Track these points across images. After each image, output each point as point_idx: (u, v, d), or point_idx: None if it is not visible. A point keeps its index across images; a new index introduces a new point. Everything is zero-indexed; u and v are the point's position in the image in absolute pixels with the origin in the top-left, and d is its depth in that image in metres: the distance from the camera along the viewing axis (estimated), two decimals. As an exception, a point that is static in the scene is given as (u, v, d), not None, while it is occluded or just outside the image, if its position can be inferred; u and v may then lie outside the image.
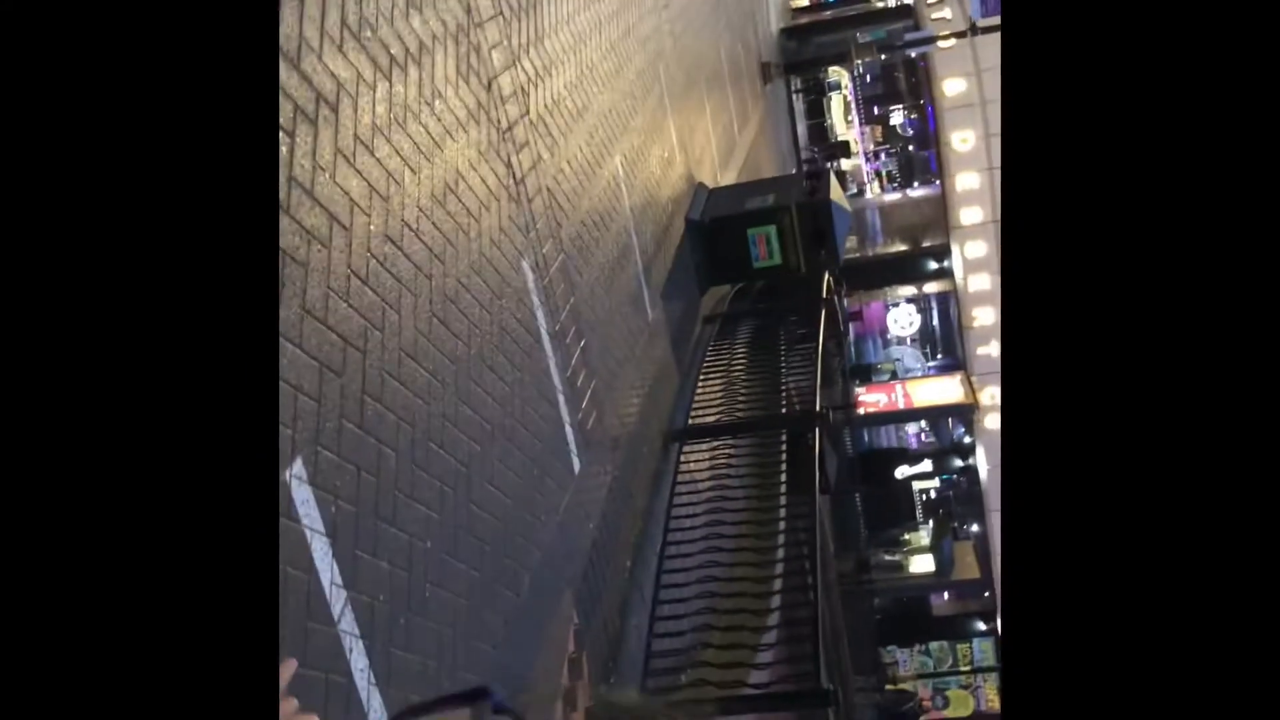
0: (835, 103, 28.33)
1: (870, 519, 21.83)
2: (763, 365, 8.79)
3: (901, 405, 21.08)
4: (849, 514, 19.44)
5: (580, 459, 5.92)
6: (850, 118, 31.66)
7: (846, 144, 24.12)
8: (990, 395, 23.88)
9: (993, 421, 23.81)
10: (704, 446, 7.92)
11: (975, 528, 24.59)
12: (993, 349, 23.73)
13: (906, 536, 21.74)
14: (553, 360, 5.71)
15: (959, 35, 17.03)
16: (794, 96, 25.59)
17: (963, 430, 24.04)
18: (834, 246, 8.70)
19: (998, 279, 23.54)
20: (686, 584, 6.63)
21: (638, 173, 7.96)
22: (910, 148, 32.85)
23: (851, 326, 25.17)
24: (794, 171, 15.74)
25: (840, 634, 11.55)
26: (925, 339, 31.95)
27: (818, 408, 7.85)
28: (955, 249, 23.49)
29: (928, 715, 21.75)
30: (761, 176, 15.70)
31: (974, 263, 23.45)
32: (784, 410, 8.22)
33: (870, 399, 21.12)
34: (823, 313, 8.37)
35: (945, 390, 21.88)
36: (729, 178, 11.78)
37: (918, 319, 30.67)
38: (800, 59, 21.84)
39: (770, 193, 9.14)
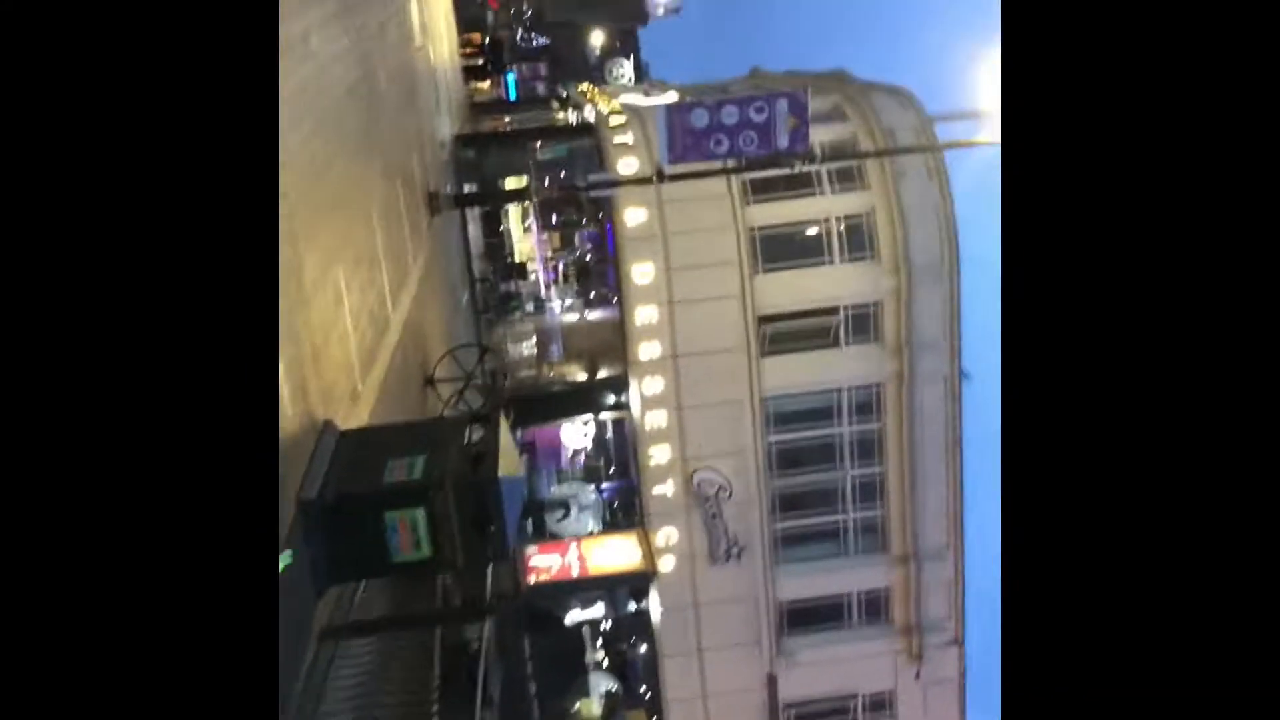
0: (513, 212, 26.76)
1: (541, 680, 19.84)
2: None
3: (576, 571, 19.42)
4: (515, 678, 17.39)
5: None
6: (528, 224, 30.28)
7: (524, 266, 22.47)
8: (665, 536, 22.83)
9: (667, 564, 22.75)
10: None
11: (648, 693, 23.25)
12: (669, 488, 22.75)
13: (577, 707, 19.96)
14: None
15: (644, 182, 15.84)
16: (466, 212, 23.68)
17: (635, 603, 22.72)
18: (502, 535, 6.62)
19: (674, 415, 22.60)
20: None
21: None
22: (588, 257, 31.95)
23: (522, 460, 23.28)
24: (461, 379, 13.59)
25: None
26: (600, 452, 30.84)
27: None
28: (634, 383, 22.33)
29: None
30: (423, 334, 13.42)
31: (652, 399, 22.39)
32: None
33: (543, 562, 19.30)
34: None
35: (622, 553, 20.50)
36: (374, 380, 9.40)
37: (593, 430, 29.50)
38: (474, 194, 19.93)
39: (421, 450, 6.90)
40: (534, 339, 25.19)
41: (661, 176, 16.15)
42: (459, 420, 7.88)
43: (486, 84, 38.84)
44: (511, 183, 23.99)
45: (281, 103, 7.12)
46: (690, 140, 16.10)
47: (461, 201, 18.19)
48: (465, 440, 7.13)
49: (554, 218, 32.66)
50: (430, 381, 13.17)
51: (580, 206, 24.25)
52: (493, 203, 21.38)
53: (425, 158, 16.08)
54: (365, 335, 9.40)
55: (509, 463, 7.05)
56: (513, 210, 26.59)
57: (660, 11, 43.58)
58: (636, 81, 36.31)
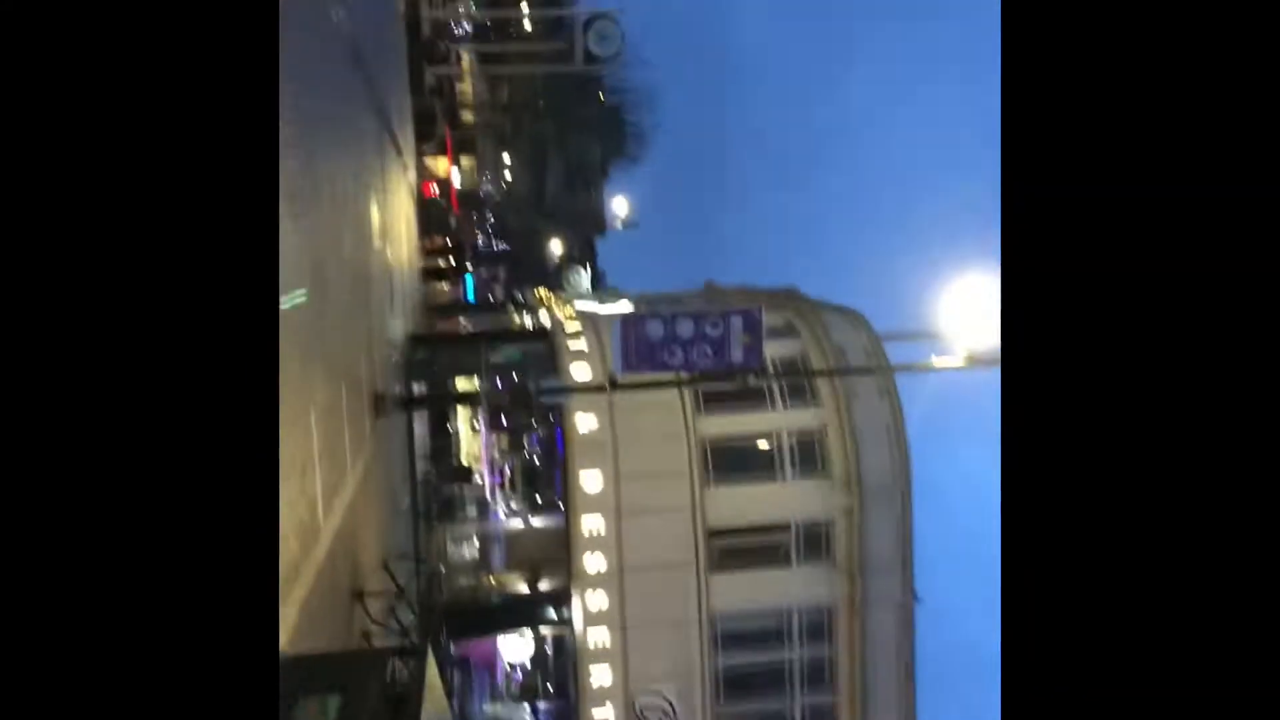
0: (462, 412, 26.37)
1: None
2: None
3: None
4: None
5: None
6: (476, 424, 29.85)
7: (469, 470, 21.88)
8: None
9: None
10: None
11: None
12: (609, 712, 21.41)
13: None
14: None
15: (596, 389, 15.63)
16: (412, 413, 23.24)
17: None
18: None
19: (618, 633, 21.51)
20: None
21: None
22: (536, 461, 31.42)
23: (455, 673, 21.92)
24: (390, 592, 12.87)
25: None
26: (538, 669, 29.29)
27: None
28: (576, 597, 21.37)
29: None
30: (357, 543, 12.68)
31: (595, 615, 21.40)
32: None
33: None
34: None
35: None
36: (296, 598, 8.66)
37: (531, 645, 28.08)
38: (422, 396, 19.63)
39: (337, 688, 6.17)
40: (476, 545, 24.28)
41: (615, 384, 15.95)
42: (381, 654, 7.15)
43: (445, 285, 39.30)
44: (463, 384, 23.73)
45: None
46: (645, 350, 16.04)
47: (410, 404, 17.80)
48: (388, 677, 6.42)
49: (503, 419, 32.33)
50: (360, 596, 12.33)
51: (530, 409, 23.98)
52: (442, 406, 20.98)
53: (374, 358, 15.79)
54: (291, 550, 8.72)
55: (435, 703, 6.33)
56: (461, 411, 26.22)
57: (618, 225, 45.04)
58: (593, 289, 37.01)
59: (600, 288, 39.63)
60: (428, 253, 35.46)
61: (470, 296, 43.62)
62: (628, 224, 45.88)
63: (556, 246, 59.72)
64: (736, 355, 16.29)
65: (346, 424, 12.31)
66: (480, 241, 59.15)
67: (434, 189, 42.41)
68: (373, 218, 17.85)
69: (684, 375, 16.22)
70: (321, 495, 10.39)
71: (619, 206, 44.92)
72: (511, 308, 31.99)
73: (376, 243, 18.25)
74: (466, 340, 23.46)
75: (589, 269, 39.52)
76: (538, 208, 78.85)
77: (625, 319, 15.79)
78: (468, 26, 44.69)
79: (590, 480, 21.48)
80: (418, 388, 22.63)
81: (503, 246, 64.11)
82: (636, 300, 29.06)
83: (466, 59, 43.77)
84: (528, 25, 56.91)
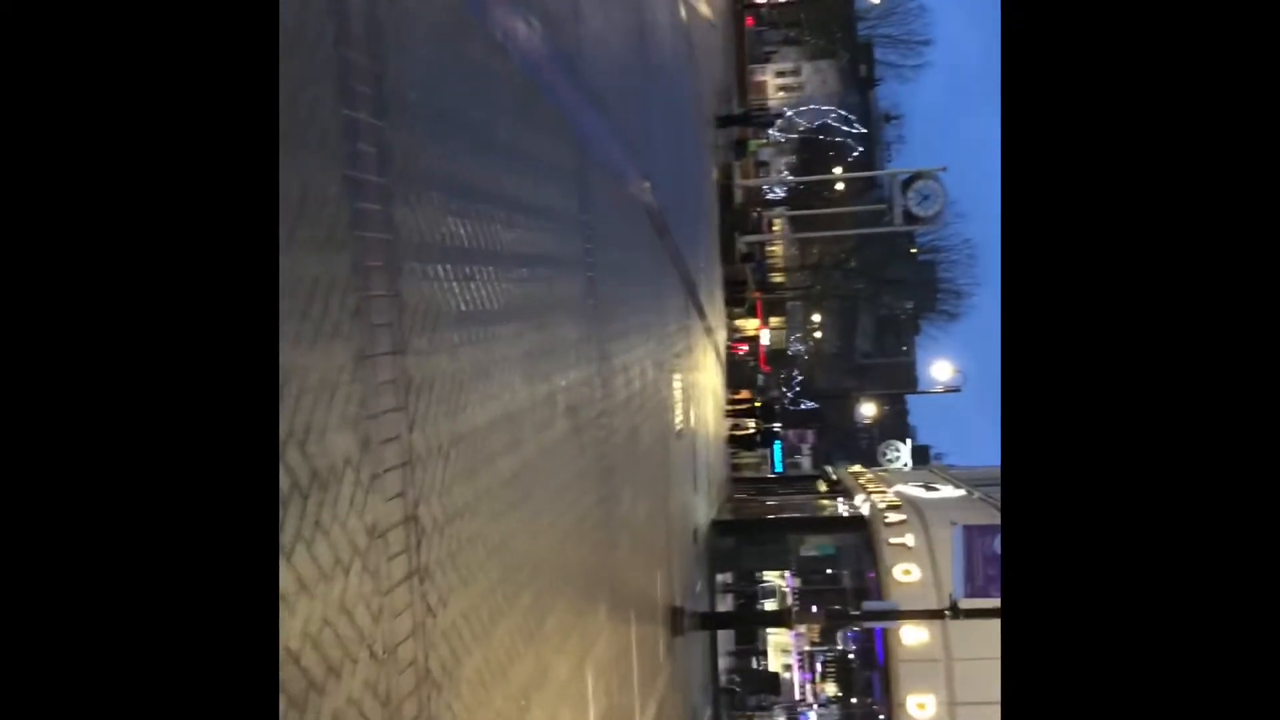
0: (769, 606, 23.92)
1: None
2: None
3: None
4: None
5: None
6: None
7: (776, 677, 19.31)
8: None
9: None
10: None
11: None
12: None
13: None
14: None
15: (933, 616, 12.88)
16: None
17: None
18: None
19: None
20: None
21: None
22: (850, 657, 28.16)
23: None
24: None
25: None
26: None
27: None
28: None
29: None
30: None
31: None
32: None
33: None
34: None
35: None
36: None
37: None
38: (726, 614, 17.54)
39: None
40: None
41: (955, 611, 13.05)
42: None
43: (753, 454, 37.61)
44: (771, 577, 21.43)
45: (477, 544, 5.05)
46: (994, 570, 13.13)
47: (711, 623, 15.73)
48: None
49: (813, 607, 29.50)
50: None
51: (846, 619, 21.13)
52: (746, 627, 18.74)
53: (672, 571, 13.89)
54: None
55: None
56: (768, 604, 23.83)
57: (938, 388, 41.65)
58: (915, 466, 33.82)
59: (924, 464, 36.26)
60: (733, 412, 34.02)
61: (778, 466, 41.60)
62: (949, 388, 42.37)
63: (869, 409, 56.80)
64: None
65: (635, 667, 10.33)
66: (788, 400, 57.48)
67: (743, 349, 41.46)
68: (674, 400, 16.29)
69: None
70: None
71: (939, 371, 41.63)
72: (822, 484, 29.48)
73: (678, 425, 16.66)
74: (773, 527, 21.26)
75: (909, 444, 36.26)
76: (847, 366, 76.74)
77: (969, 531, 13.04)
78: (780, 191, 44.25)
79: (918, 705, 18.23)
80: (721, 579, 20.63)
81: (811, 405, 61.97)
82: (967, 481, 25.66)
83: (779, 223, 43.10)
84: (839, 186, 56.09)
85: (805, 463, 41.09)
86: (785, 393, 58.75)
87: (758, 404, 37.71)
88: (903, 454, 34.27)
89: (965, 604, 13.11)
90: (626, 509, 10.49)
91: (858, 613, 15.22)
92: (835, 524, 22.26)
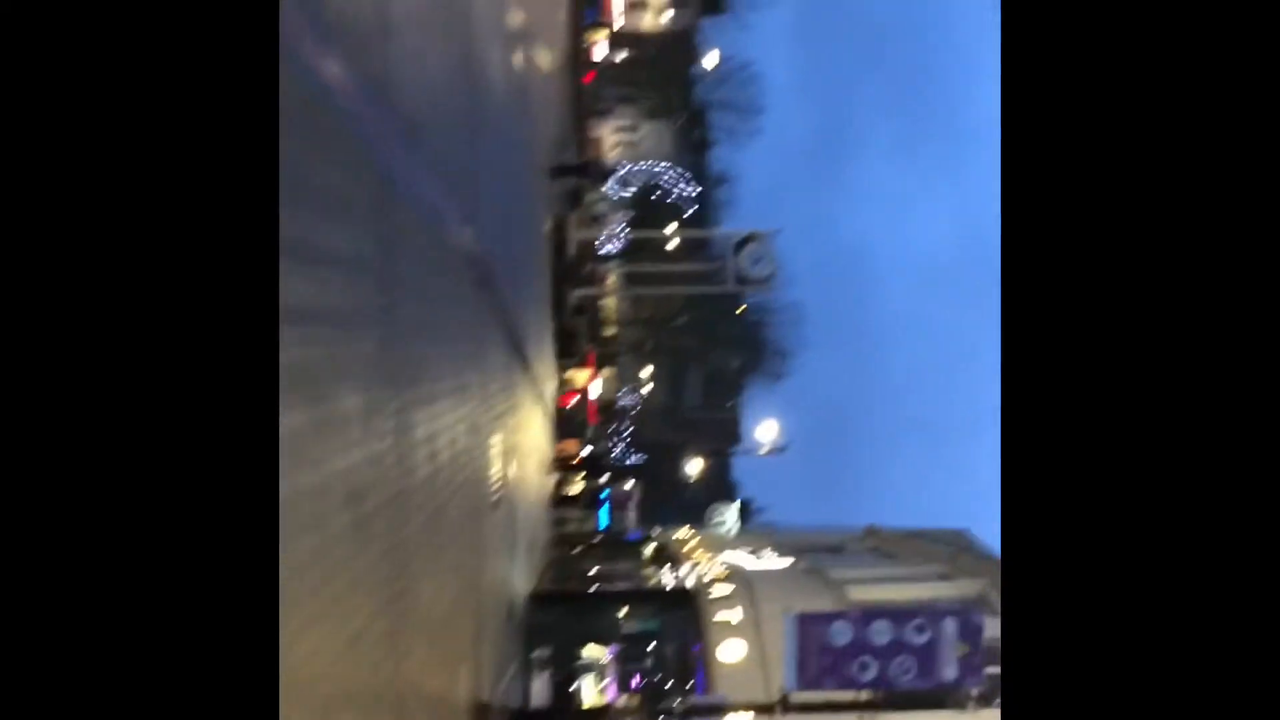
0: (588, 681, 22.66)
1: None
2: None
3: None
4: None
5: None
6: (604, 688, 25.95)
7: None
8: None
9: None
10: None
11: None
12: None
13: None
14: None
15: (762, 710, 11.90)
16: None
17: None
18: None
19: None
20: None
21: None
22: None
23: None
24: None
25: None
26: None
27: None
28: None
29: None
30: None
31: None
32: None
33: None
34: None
35: None
36: None
37: None
38: (538, 709, 16.16)
39: None
40: None
41: (786, 705, 12.12)
42: None
43: (578, 513, 36.41)
44: (592, 651, 20.15)
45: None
46: (828, 661, 12.29)
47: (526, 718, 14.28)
48: None
49: (633, 682, 28.33)
50: None
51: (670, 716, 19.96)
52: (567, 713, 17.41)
53: (481, 661, 12.42)
54: None
55: None
56: (588, 680, 22.55)
57: (765, 449, 41.64)
58: (741, 525, 33.34)
59: (747, 525, 35.84)
60: (559, 466, 32.78)
61: (604, 522, 40.46)
62: (773, 449, 42.45)
63: (694, 467, 56.59)
64: (948, 672, 12.38)
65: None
66: (616, 454, 56.60)
67: (573, 400, 40.41)
68: (492, 453, 14.85)
69: (878, 693, 12.32)
70: None
71: (765, 431, 41.66)
72: (647, 550, 28.49)
73: (496, 494, 15.24)
74: (596, 600, 20.06)
75: (736, 507, 35.81)
76: (674, 420, 76.84)
77: (804, 619, 12.17)
78: (615, 246, 43.72)
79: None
80: (538, 653, 19.25)
81: (638, 458, 61.37)
82: (795, 547, 25.17)
83: (612, 278, 42.50)
84: (673, 243, 56.23)
85: (632, 517, 40.29)
86: (614, 444, 57.96)
87: (582, 457, 36.64)
88: (729, 518, 33.76)
89: (797, 697, 12.21)
90: (427, 603, 9.04)
91: (680, 709, 14.11)
92: (660, 597, 21.24)
